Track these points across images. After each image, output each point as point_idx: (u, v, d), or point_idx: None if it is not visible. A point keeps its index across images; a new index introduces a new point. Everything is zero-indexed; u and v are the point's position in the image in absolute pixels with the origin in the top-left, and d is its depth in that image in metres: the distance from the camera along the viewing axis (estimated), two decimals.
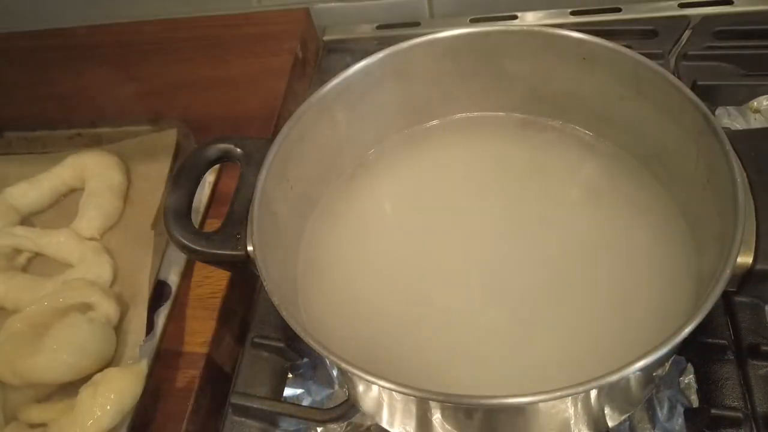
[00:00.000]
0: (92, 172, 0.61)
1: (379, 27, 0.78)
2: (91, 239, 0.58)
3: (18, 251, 0.59)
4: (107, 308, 0.51)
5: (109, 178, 0.61)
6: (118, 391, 0.46)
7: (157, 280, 0.55)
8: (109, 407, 0.45)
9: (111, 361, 0.51)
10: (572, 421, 0.41)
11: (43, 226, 0.61)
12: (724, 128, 0.42)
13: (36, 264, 0.59)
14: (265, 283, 0.41)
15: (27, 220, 0.63)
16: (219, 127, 0.64)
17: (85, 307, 0.51)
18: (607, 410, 0.42)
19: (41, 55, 0.79)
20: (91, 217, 0.59)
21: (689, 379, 0.49)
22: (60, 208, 0.63)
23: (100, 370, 0.48)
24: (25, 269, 0.59)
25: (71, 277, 0.54)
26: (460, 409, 0.38)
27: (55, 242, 0.58)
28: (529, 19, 0.74)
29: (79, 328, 0.49)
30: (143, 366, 0.48)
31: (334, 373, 0.51)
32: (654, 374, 0.44)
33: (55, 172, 0.63)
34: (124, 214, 0.61)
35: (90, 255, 0.56)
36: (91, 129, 0.66)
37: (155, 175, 0.61)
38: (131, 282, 0.55)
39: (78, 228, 0.59)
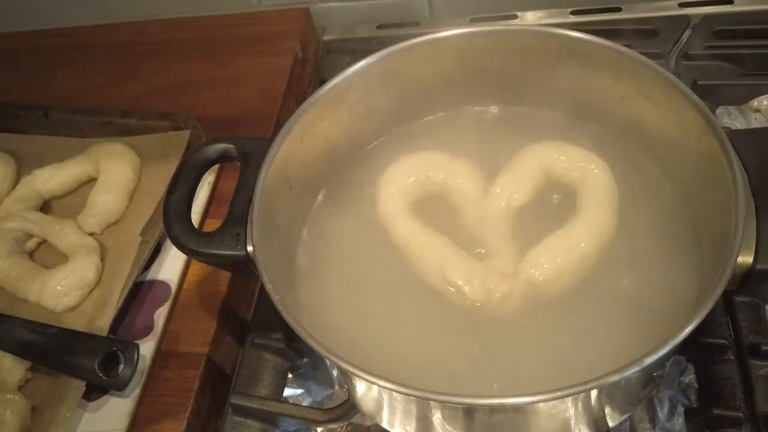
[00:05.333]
0: (106, 165, 0.62)
1: (379, 27, 0.78)
2: (92, 234, 0.58)
3: (29, 235, 0.59)
4: None
5: (119, 174, 0.61)
6: None
7: (156, 280, 0.56)
8: None
9: None
10: (573, 421, 0.41)
11: (62, 211, 0.62)
12: (724, 128, 0.42)
13: (43, 250, 0.60)
14: (265, 283, 0.41)
15: (48, 203, 0.63)
16: (218, 126, 0.64)
17: None
18: (607, 410, 0.42)
19: (42, 56, 0.79)
20: (94, 213, 0.59)
21: (690, 378, 0.49)
22: (79, 195, 0.63)
23: None
24: (33, 253, 0.60)
25: (59, 275, 0.54)
26: (460, 410, 0.38)
27: (59, 233, 0.58)
28: (529, 18, 0.74)
29: None
30: None
31: (335, 373, 0.50)
32: (654, 374, 0.44)
33: (79, 159, 0.63)
34: (127, 211, 0.61)
35: (81, 253, 0.56)
36: (120, 119, 0.67)
37: (162, 176, 0.61)
38: (109, 288, 0.55)
39: (82, 221, 0.59)
